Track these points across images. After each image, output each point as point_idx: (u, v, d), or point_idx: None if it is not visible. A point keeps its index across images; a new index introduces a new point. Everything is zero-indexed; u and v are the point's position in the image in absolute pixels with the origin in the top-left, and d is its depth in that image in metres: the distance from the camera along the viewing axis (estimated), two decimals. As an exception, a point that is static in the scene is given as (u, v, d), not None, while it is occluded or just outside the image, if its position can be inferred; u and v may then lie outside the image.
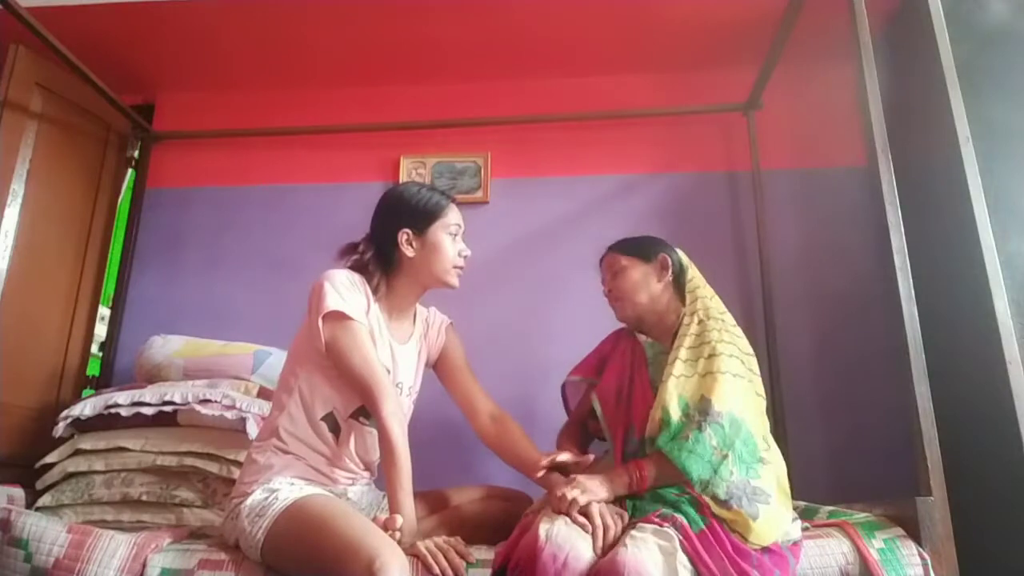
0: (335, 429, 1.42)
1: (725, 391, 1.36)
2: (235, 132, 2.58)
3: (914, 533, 1.31)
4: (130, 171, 2.63)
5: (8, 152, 2.11)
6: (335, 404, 1.42)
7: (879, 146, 1.61)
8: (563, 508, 1.22)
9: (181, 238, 2.52)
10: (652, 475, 1.30)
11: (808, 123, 2.43)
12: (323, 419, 1.41)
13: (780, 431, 2.09)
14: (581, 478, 1.28)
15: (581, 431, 1.67)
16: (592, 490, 1.25)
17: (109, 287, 2.56)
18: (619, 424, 1.45)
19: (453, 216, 1.55)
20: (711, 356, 1.41)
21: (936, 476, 1.37)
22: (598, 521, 1.20)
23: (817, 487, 1.96)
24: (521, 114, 2.51)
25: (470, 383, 1.62)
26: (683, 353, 1.44)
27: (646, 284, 1.57)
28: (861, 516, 1.40)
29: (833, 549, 1.28)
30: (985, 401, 1.78)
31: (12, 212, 2.11)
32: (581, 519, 1.20)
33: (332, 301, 1.38)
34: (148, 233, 2.53)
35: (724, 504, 1.23)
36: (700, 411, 1.34)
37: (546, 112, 2.51)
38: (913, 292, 1.50)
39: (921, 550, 1.28)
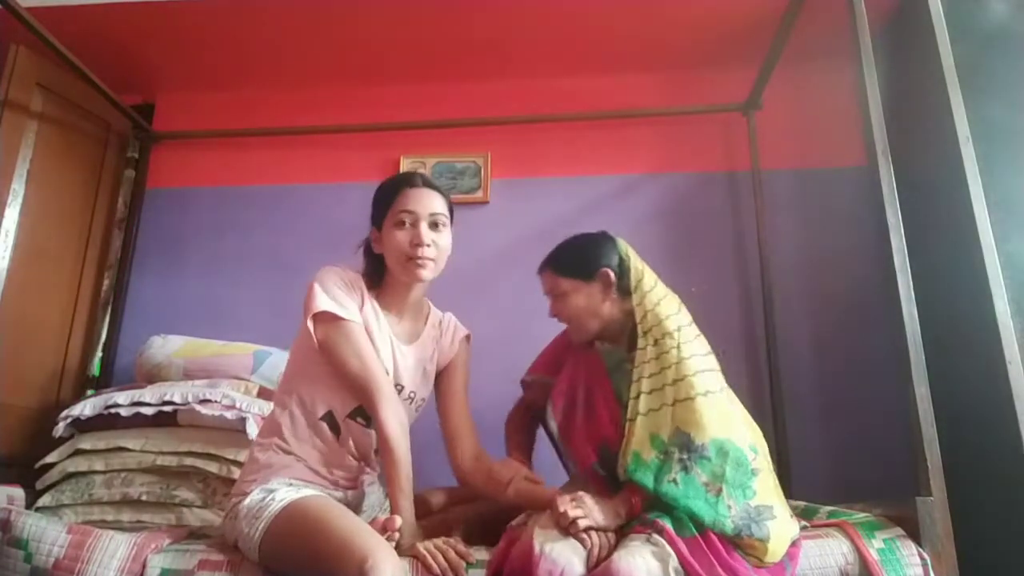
0: (335, 429, 1.41)
1: (703, 418, 1.27)
2: (235, 132, 2.59)
3: (914, 533, 1.31)
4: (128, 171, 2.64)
5: (8, 152, 2.12)
6: (333, 404, 1.41)
7: (879, 146, 1.61)
8: (563, 524, 1.20)
9: (181, 238, 2.52)
10: (646, 506, 1.27)
11: (808, 123, 2.43)
12: (323, 418, 1.41)
13: (780, 431, 2.09)
14: (587, 498, 1.25)
15: (532, 420, 1.61)
16: (596, 518, 1.23)
17: (109, 287, 2.56)
18: (584, 439, 1.39)
19: (405, 200, 1.43)
20: (676, 381, 1.31)
21: (936, 476, 1.37)
22: (596, 540, 1.19)
23: (817, 487, 1.96)
24: (521, 114, 2.51)
25: (462, 413, 1.55)
26: (645, 384, 1.33)
27: (592, 308, 1.44)
28: (861, 516, 1.40)
29: (833, 549, 1.28)
30: (985, 401, 1.78)
31: (12, 212, 2.12)
32: (581, 536, 1.19)
33: (321, 302, 1.36)
34: (148, 233, 2.53)
35: (736, 537, 1.20)
36: (680, 447, 1.26)
37: (546, 112, 2.51)
38: (913, 292, 1.50)
39: (921, 550, 1.28)
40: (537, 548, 1.15)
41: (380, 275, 1.50)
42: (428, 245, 1.42)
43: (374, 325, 1.44)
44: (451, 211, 1.50)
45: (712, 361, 1.40)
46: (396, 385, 1.46)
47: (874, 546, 1.28)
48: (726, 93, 2.44)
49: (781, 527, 1.23)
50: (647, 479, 1.24)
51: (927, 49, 2.00)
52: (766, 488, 1.27)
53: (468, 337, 1.63)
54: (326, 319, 1.37)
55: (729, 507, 1.21)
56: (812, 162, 2.42)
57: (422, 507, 1.52)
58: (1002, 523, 1.73)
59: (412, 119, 2.53)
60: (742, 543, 1.20)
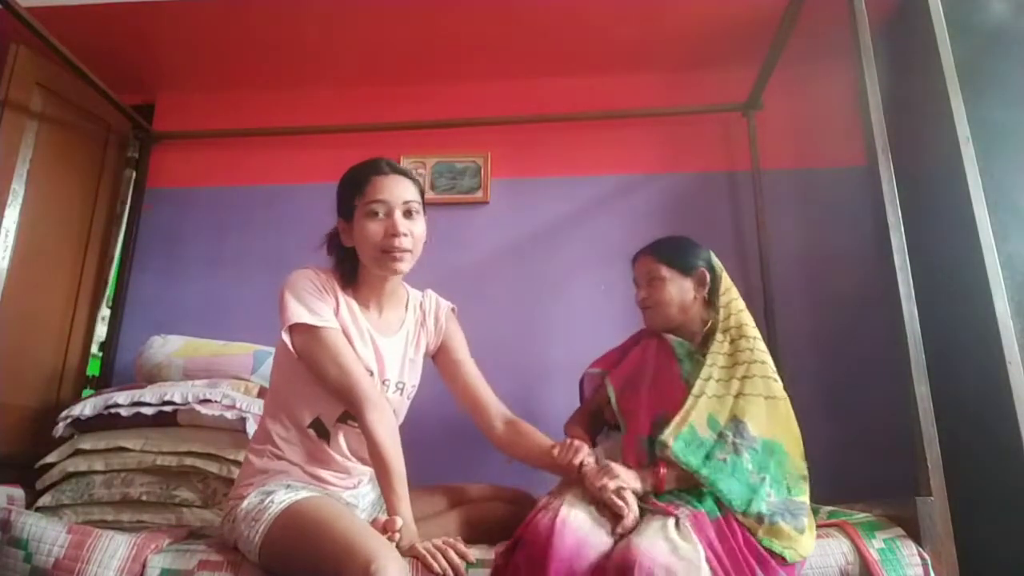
0: (324, 434, 1.39)
1: (759, 414, 1.37)
2: (235, 132, 2.58)
3: (914, 533, 1.31)
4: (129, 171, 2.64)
5: (8, 152, 2.12)
6: (319, 411, 1.39)
7: (879, 146, 1.61)
8: (602, 493, 1.25)
9: (181, 238, 2.52)
10: (671, 481, 1.31)
11: (808, 123, 2.43)
12: (311, 426, 1.39)
13: (780, 431, 2.09)
14: (617, 468, 1.30)
15: (591, 419, 1.64)
16: (627, 480, 1.28)
17: (109, 287, 2.56)
18: (644, 407, 1.44)
19: (376, 190, 1.38)
20: (745, 377, 1.41)
21: (936, 476, 1.37)
22: (631, 501, 1.24)
23: (817, 487, 1.94)
24: (521, 114, 2.51)
25: (475, 380, 1.52)
26: (716, 373, 1.43)
27: (683, 301, 1.55)
28: (861, 516, 1.40)
29: (833, 549, 1.29)
30: (985, 401, 1.78)
31: (12, 212, 2.11)
32: (618, 503, 1.23)
33: (293, 313, 1.33)
34: (148, 233, 2.53)
35: (769, 520, 1.23)
36: (735, 432, 1.33)
37: (546, 112, 2.50)
38: (913, 292, 1.50)
39: (921, 550, 1.28)
40: (561, 516, 1.19)
41: (353, 270, 1.45)
42: (405, 235, 1.37)
43: (351, 325, 1.40)
44: (423, 197, 1.45)
45: (777, 379, 1.47)
46: (383, 381, 1.43)
47: (874, 546, 1.29)
48: (726, 93, 2.44)
49: (811, 527, 1.27)
50: (694, 457, 1.29)
51: (927, 49, 2.00)
52: (806, 498, 1.33)
53: (453, 309, 1.60)
54: (301, 329, 1.34)
55: (768, 495, 1.27)
56: (812, 162, 2.42)
57: (459, 497, 1.54)
58: (1002, 523, 1.73)
59: (412, 119, 2.52)
60: (774, 529, 1.22)
